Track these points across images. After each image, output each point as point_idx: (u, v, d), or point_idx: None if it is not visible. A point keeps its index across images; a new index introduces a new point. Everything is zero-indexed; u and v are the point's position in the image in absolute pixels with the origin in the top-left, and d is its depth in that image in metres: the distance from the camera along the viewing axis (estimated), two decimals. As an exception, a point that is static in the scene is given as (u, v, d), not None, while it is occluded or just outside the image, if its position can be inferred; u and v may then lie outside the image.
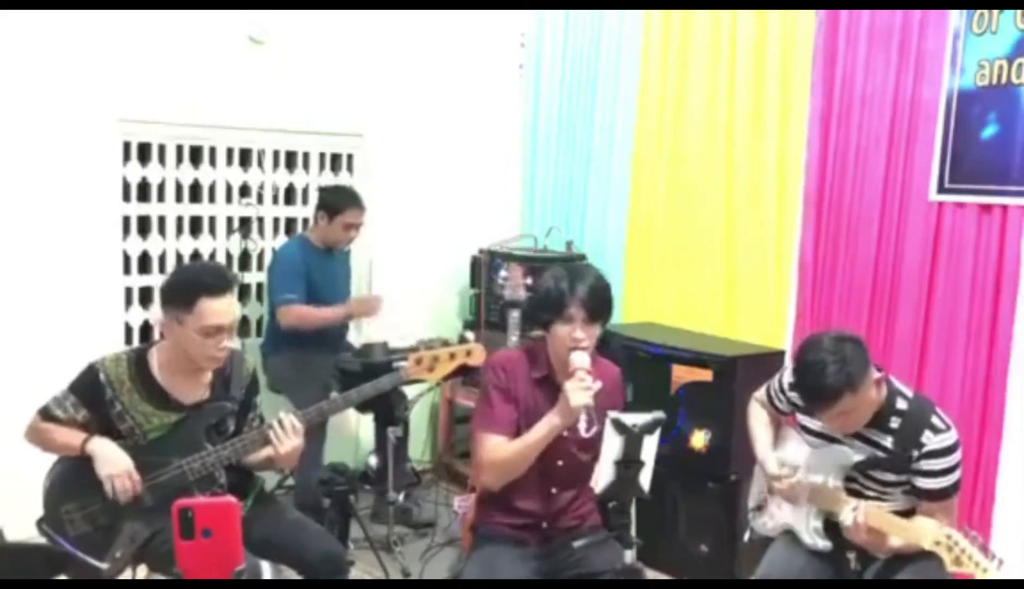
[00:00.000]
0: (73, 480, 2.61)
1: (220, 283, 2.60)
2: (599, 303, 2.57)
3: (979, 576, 2.21)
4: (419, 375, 2.89)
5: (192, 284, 2.58)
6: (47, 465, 2.70)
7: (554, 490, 2.66)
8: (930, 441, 2.45)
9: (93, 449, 2.56)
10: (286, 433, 2.62)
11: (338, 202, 4.22)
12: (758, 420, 2.88)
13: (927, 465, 2.46)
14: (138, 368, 2.66)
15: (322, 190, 4.47)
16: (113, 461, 2.55)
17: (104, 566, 2.15)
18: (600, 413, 2.61)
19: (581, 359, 2.50)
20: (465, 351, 2.91)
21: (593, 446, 2.65)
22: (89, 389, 2.63)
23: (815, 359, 2.40)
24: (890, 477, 2.53)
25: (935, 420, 2.49)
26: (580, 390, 2.43)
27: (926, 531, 2.32)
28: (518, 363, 2.68)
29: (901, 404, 2.52)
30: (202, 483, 2.64)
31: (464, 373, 4.52)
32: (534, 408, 2.61)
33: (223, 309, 2.59)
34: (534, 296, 2.70)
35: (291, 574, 2.84)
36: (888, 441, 2.50)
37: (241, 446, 2.66)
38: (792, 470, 2.67)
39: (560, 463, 2.63)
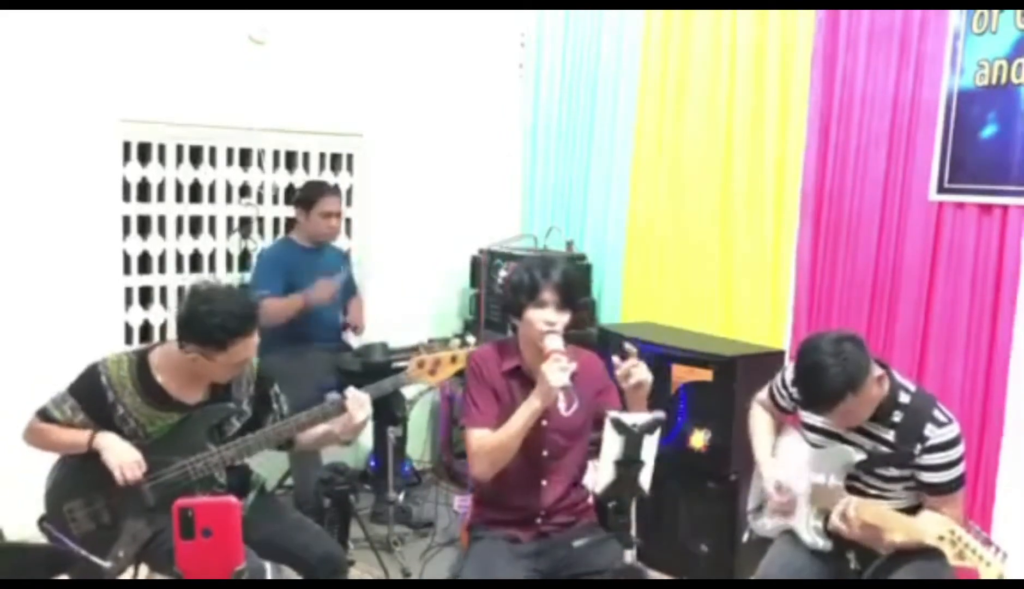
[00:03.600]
0: (76, 479, 2.62)
1: (252, 323, 2.61)
2: (571, 288, 2.64)
3: (983, 569, 2.20)
4: (421, 377, 2.90)
5: (226, 330, 2.54)
6: (48, 465, 2.71)
7: (544, 482, 2.69)
8: (933, 434, 2.45)
9: (100, 442, 2.57)
10: (360, 404, 2.68)
11: (311, 193, 4.21)
12: (759, 425, 2.88)
13: (930, 459, 2.45)
14: (139, 370, 2.66)
15: (295, 189, 4.45)
16: (122, 451, 2.56)
17: (106, 565, 2.15)
18: (588, 400, 2.65)
19: (555, 342, 2.54)
20: (466, 355, 2.90)
21: (577, 433, 2.69)
22: (90, 392, 2.62)
23: (815, 361, 2.40)
24: (893, 472, 2.53)
25: (937, 413, 2.49)
26: (557, 371, 2.46)
27: (927, 526, 2.32)
28: (491, 356, 2.74)
29: (903, 398, 2.52)
30: (203, 483, 2.65)
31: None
32: (508, 400, 2.65)
33: (255, 342, 2.64)
34: (508, 284, 2.74)
35: (291, 574, 2.85)
36: (890, 435, 2.51)
37: (254, 443, 2.69)
38: (787, 490, 2.67)
39: (545, 453, 2.67)
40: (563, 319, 2.61)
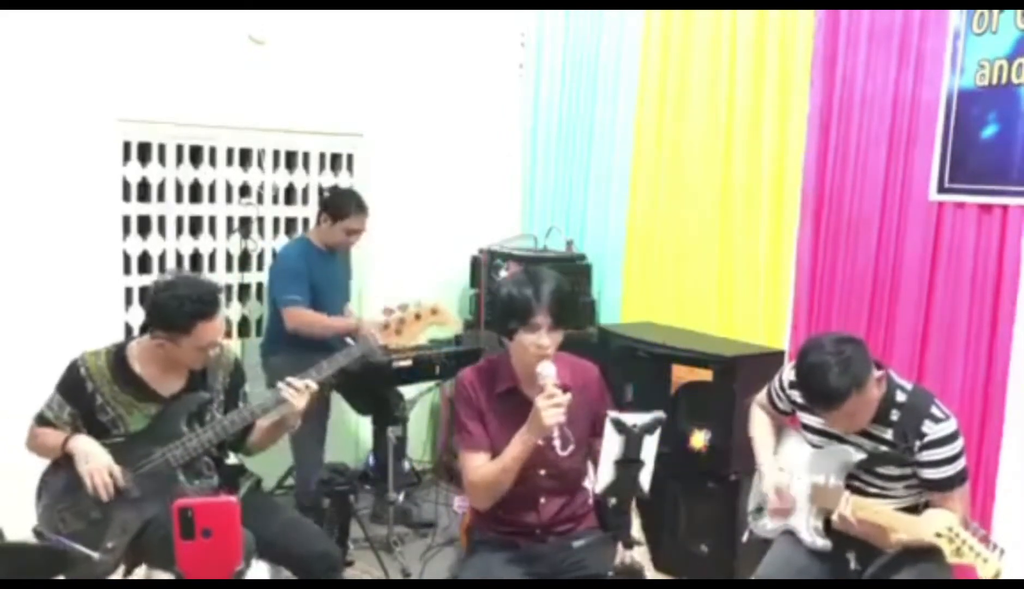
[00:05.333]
0: (65, 480, 2.64)
1: (214, 306, 2.65)
2: (564, 308, 2.53)
3: (980, 566, 2.20)
4: (389, 340, 2.90)
5: (187, 313, 2.60)
6: (46, 465, 2.71)
7: (543, 499, 2.64)
8: (931, 430, 2.45)
9: (73, 447, 2.61)
10: (299, 390, 2.72)
11: (342, 206, 4.19)
12: (759, 426, 2.88)
13: (929, 455, 2.45)
14: (117, 361, 2.72)
15: (326, 192, 4.45)
16: (92, 457, 2.59)
17: (97, 556, 2.16)
18: (583, 415, 2.61)
19: (548, 369, 2.46)
20: (430, 310, 2.91)
21: (576, 449, 2.64)
22: (71, 384, 2.68)
23: (818, 362, 2.40)
24: (893, 471, 2.53)
25: (934, 410, 2.49)
26: (551, 408, 2.39)
27: (926, 522, 2.32)
28: (483, 379, 2.66)
29: (900, 397, 2.52)
30: (187, 471, 2.69)
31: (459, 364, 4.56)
32: (500, 423, 2.58)
33: (219, 326, 2.68)
34: (497, 305, 2.62)
35: (288, 574, 2.85)
36: (889, 434, 2.51)
37: (229, 423, 2.73)
38: (787, 495, 2.67)
39: (543, 473, 2.61)
40: (556, 339, 2.52)
